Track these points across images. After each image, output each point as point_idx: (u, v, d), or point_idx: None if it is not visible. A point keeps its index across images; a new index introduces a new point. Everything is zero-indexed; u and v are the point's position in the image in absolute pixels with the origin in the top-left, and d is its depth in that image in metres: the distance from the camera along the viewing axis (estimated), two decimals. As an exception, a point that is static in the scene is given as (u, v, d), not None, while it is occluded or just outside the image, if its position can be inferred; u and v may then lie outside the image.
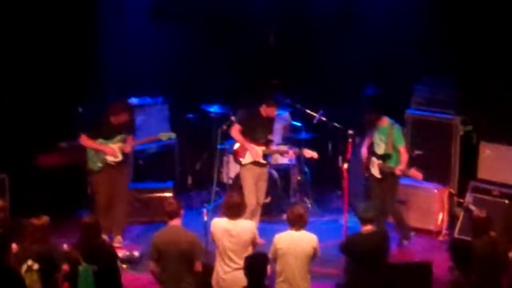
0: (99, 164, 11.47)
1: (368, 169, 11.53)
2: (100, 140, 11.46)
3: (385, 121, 11.37)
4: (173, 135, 12.10)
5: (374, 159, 11.42)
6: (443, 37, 12.73)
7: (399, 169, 11.14)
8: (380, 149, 11.38)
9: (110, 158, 11.46)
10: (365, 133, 11.61)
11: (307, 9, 13.82)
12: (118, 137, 11.51)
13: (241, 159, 11.56)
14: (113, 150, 11.45)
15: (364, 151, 11.55)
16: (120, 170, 11.60)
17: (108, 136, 11.48)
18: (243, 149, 11.53)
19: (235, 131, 11.59)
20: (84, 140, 11.51)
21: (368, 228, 9.22)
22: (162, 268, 8.98)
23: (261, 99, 11.56)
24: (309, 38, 14.06)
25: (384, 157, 11.31)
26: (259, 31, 14.19)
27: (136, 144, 11.96)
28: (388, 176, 11.31)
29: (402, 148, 11.30)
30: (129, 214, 12.02)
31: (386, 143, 11.30)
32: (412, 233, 11.82)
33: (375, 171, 11.41)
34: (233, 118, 12.15)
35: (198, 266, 8.96)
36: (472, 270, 8.71)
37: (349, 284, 9.33)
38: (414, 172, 11.05)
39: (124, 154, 11.57)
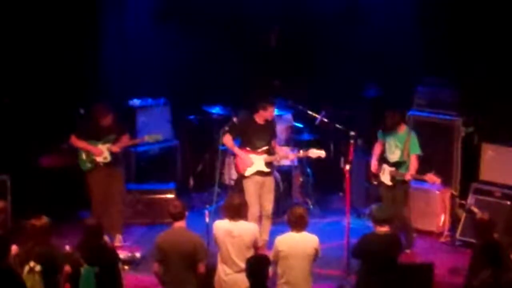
0: (88, 165, 11.53)
1: (377, 177, 11.38)
2: (91, 141, 11.50)
3: (403, 128, 11.27)
4: (159, 137, 12.12)
5: (385, 166, 11.26)
6: (444, 38, 12.72)
7: (409, 174, 11.03)
8: (395, 156, 11.21)
9: (99, 159, 11.50)
10: (377, 140, 11.48)
11: (309, 10, 13.80)
12: (108, 138, 11.54)
13: (243, 172, 11.37)
14: (100, 151, 11.48)
15: (374, 163, 11.37)
16: (111, 171, 11.63)
17: (98, 137, 11.52)
18: (242, 161, 11.42)
19: (226, 140, 11.46)
20: (73, 140, 11.58)
21: (383, 229, 9.12)
22: (165, 269, 8.98)
23: (256, 104, 11.37)
24: (310, 39, 14.06)
25: (398, 165, 11.17)
26: (260, 32, 14.19)
27: (123, 146, 11.83)
28: (399, 183, 11.19)
29: (414, 156, 11.15)
30: (125, 213, 12.09)
31: (402, 150, 11.15)
32: (414, 235, 11.80)
33: (386, 179, 11.25)
34: (235, 119, 12.13)
35: (201, 268, 8.95)
36: (502, 270, 8.52)
37: (359, 287, 9.28)
38: (431, 177, 10.92)
39: (114, 155, 11.59)
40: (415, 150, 11.19)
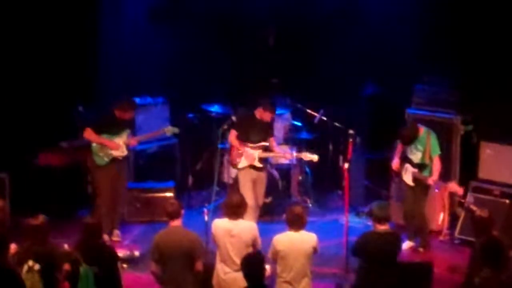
0: (106, 159, 11.53)
1: (398, 175, 11.42)
2: (105, 135, 11.50)
3: (422, 130, 11.24)
4: (176, 130, 12.16)
5: (408, 166, 11.29)
6: (443, 36, 12.73)
7: (432, 179, 11.08)
8: (416, 157, 11.24)
9: (116, 153, 11.50)
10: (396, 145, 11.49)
11: (307, 9, 13.81)
12: (124, 132, 11.56)
13: (237, 164, 11.55)
14: (117, 145, 11.50)
15: (396, 161, 11.40)
16: (123, 165, 11.72)
17: (114, 131, 11.52)
18: (238, 154, 11.50)
19: (231, 136, 11.63)
20: (89, 134, 11.53)
21: (384, 227, 9.11)
22: (163, 268, 8.97)
23: (259, 101, 11.53)
24: (309, 37, 14.06)
25: (421, 167, 11.20)
26: (259, 31, 14.19)
27: (141, 138, 12.05)
28: (421, 184, 11.23)
29: (436, 158, 11.18)
30: (124, 211, 12.14)
31: (423, 152, 11.17)
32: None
33: (408, 178, 11.29)
34: (233, 117, 12.15)
35: (199, 266, 8.95)
36: (503, 268, 8.50)
37: (358, 285, 9.27)
38: (453, 186, 11.00)
39: (129, 149, 11.67)
40: (436, 151, 11.21)
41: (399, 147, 11.48)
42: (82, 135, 11.65)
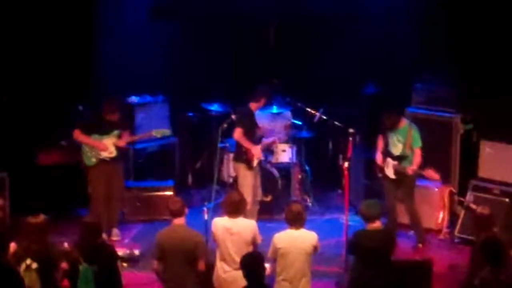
0: (94, 160, 11.53)
1: (382, 169, 11.44)
2: (95, 136, 11.49)
3: (404, 122, 11.30)
4: (167, 132, 12.13)
5: (389, 159, 11.32)
6: (443, 35, 12.73)
7: (411, 169, 11.07)
8: (397, 150, 11.27)
9: (104, 154, 11.50)
10: (379, 134, 11.49)
11: (307, 8, 13.81)
12: (113, 133, 11.55)
13: (252, 164, 11.56)
14: (105, 146, 11.49)
15: (379, 155, 11.44)
16: (115, 166, 11.67)
17: (103, 131, 11.52)
18: (250, 151, 11.55)
19: (239, 134, 11.54)
20: (77, 135, 11.56)
21: (375, 225, 9.14)
22: (165, 266, 8.98)
23: (262, 92, 11.70)
24: (309, 36, 14.06)
25: (400, 158, 11.23)
26: (259, 30, 14.18)
27: (130, 140, 11.96)
28: (404, 177, 11.25)
29: (417, 149, 11.22)
30: (124, 210, 12.16)
31: (404, 144, 11.22)
32: (411, 232, 11.81)
33: (390, 172, 11.32)
34: (233, 116, 12.15)
35: (202, 266, 8.94)
36: (502, 267, 8.49)
37: (353, 283, 9.27)
38: (429, 173, 10.97)
39: (119, 150, 11.61)
40: (417, 144, 11.24)
41: (380, 142, 11.47)
42: (71, 136, 11.68)
